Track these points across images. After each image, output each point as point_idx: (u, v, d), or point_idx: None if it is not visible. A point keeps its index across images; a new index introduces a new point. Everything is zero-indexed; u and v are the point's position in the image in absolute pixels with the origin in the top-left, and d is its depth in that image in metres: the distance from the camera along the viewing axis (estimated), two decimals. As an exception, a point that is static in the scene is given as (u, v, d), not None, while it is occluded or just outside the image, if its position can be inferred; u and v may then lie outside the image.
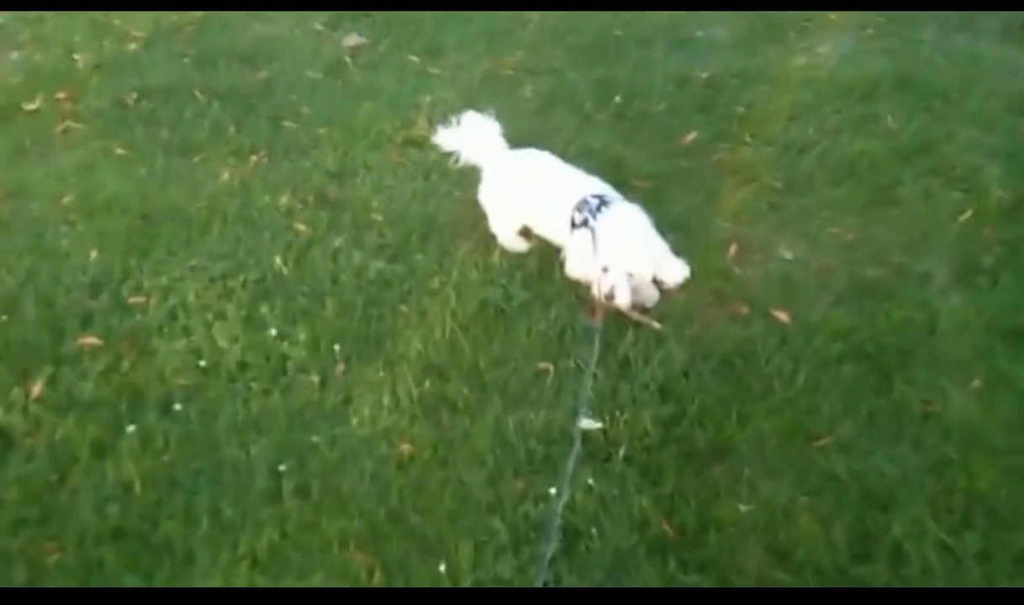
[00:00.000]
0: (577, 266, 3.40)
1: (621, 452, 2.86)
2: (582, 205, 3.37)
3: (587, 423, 2.92)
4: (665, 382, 3.09)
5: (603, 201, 3.36)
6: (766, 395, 3.04)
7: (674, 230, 3.74)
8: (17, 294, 3.57)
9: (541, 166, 3.66)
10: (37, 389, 3.17)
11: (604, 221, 3.31)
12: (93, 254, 3.76)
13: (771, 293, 3.45)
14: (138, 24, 5.78)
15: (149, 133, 4.59)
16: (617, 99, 4.65)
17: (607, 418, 2.97)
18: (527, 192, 3.60)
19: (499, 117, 3.80)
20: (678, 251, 3.36)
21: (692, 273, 3.46)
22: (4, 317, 3.45)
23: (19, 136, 4.67)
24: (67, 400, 3.13)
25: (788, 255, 3.65)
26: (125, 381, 3.20)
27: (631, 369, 3.15)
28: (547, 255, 3.61)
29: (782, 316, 3.32)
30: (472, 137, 3.79)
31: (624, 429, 2.93)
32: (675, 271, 3.30)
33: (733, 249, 3.68)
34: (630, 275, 3.22)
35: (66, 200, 4.12)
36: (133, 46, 5.55)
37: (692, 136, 4.30)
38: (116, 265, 3.69)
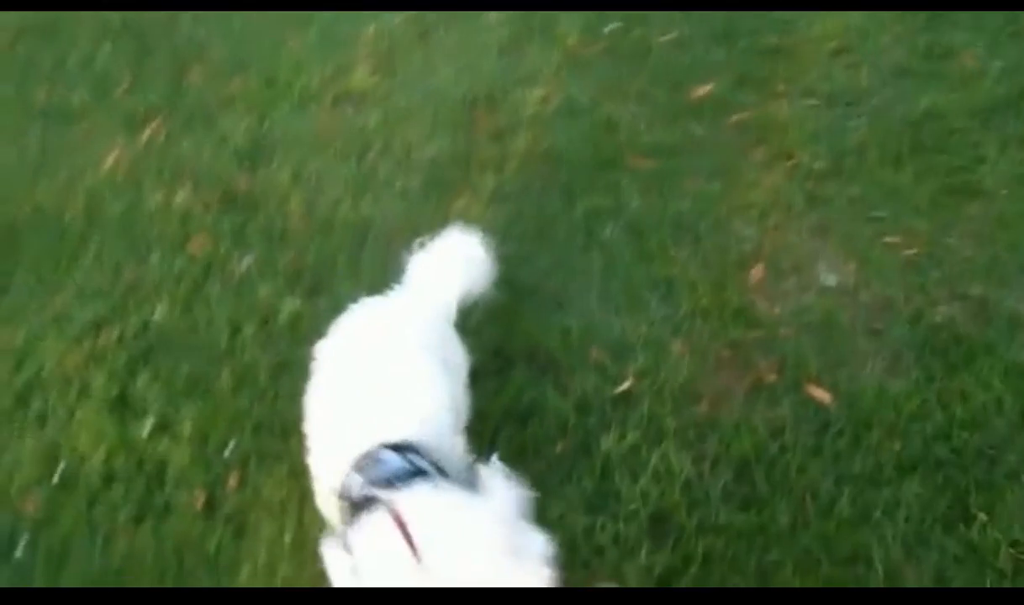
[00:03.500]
0: None
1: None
2: (363, 464, 1.78)
3: None
4: (660, 508, 2.28)
5: (401, 474, 1.73)
6: (797, 531, 2.22)
7: (678, 241, 2.86)
8: None
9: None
10: None
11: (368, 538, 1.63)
12: (-65, 292, 2.95)
13: (807, 348, 2.57)
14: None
15: (25, 93, 3.68)
16: (611, 25, 3.60)
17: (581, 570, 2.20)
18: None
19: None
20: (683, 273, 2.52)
21: (703, 313, 2.64)
22: None
23: None
24: None
25: (831, 279, 2.75)
26: (-41, 508, 2.47)
27: (614, 484, 2.34)
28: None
29: (821, 395, 2.46)
30: None
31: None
32: None
33: (758, 270, 2.78)
34: None
35: (-84, 202, 3.28)
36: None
37: (707, 87, 3.29)
38: (-37, 312, 2.89)
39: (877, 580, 2.14)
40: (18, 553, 2.36)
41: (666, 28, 3.57)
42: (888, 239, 2.81)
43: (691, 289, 2.74)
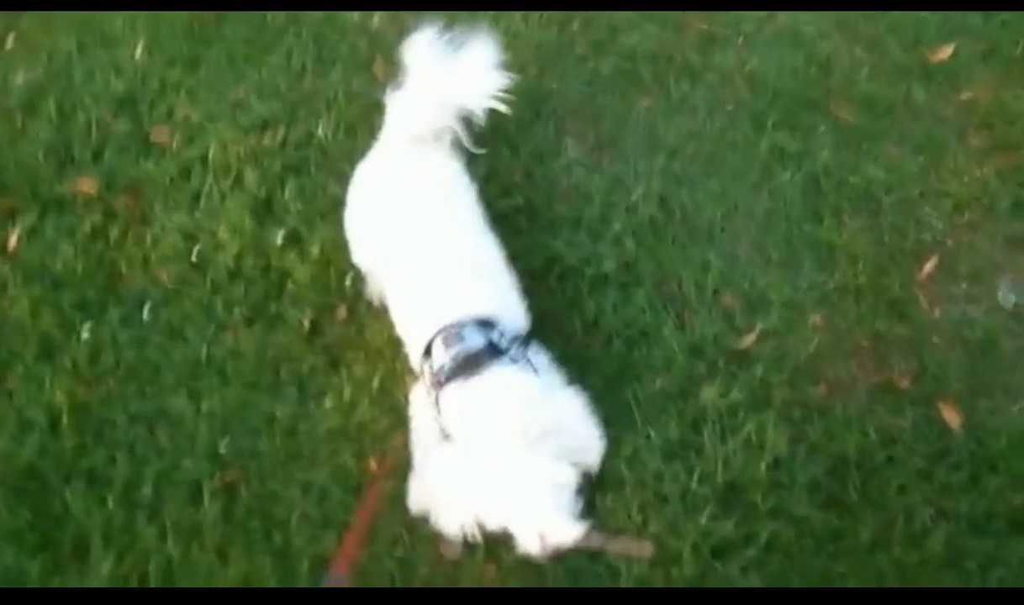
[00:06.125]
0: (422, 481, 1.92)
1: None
2: (449, 337, 1.91)
3: None
4: (739, 478, 2.20)
5: (487, 350, 1.88)
6: (876, 551, 2.10)
7: (857, 208, 2.64)
8: (44, 89, 3.02)
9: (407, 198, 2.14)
10: (13, 240, 2.70)
11: (464, 399, 1.86)
12: (139, 49, 3.10)
13: (954, 364, 2.36)
14: None
15: None
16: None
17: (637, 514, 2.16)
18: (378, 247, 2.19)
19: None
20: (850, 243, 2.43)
21: (856, 292, 2.45)
22: (20, 120, 2.94)
23: None
24: (40, 264, 2.64)
25: (1009, 299, 2.48)
26: (106, 256, 2.66)
27: (700, 438, 2.25)
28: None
29: (951, 418, 2.26)
30: None
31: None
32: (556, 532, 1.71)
33: (931, 265, 2.53)
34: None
35: (142, -44, 3.42)
36: None
37: (947, 51, 2.95)
38: (155, 75, 3.03)
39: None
40: (144, 316, 2.53)
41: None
42: (1090, 274, 2.50)
43: (852, 262, 2.54)
